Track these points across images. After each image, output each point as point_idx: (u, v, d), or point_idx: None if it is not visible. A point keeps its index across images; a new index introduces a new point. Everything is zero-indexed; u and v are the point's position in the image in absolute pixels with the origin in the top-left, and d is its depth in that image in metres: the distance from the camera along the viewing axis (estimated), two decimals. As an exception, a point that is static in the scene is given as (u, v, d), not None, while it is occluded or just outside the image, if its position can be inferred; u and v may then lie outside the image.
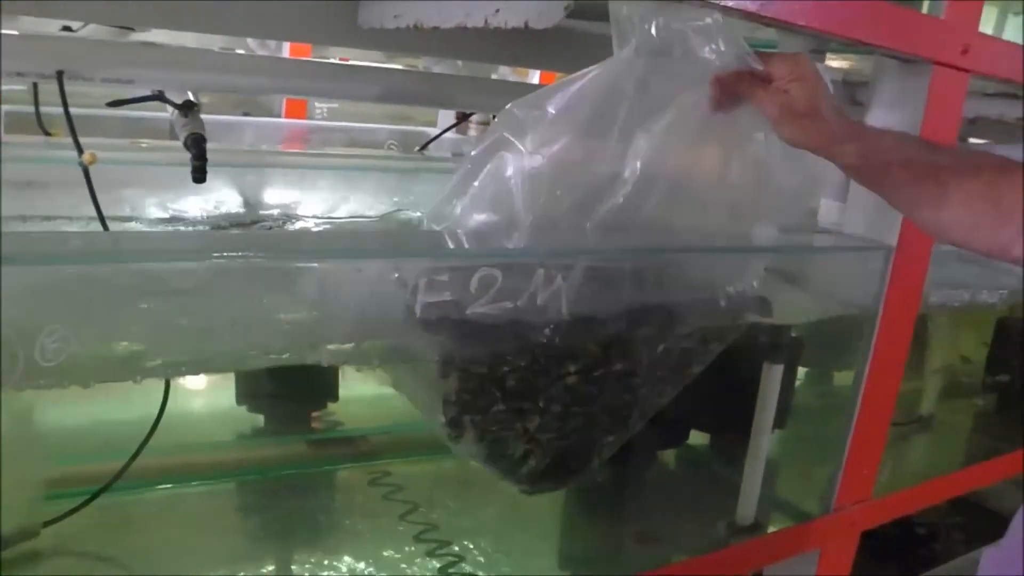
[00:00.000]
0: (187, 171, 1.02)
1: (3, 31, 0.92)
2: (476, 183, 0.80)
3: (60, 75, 0.91)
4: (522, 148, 0.79)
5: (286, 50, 1.70)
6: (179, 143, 1.03)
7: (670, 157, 0.84)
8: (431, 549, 1.10)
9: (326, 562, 1.07)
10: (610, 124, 0.82)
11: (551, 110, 0.79)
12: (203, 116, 1.07)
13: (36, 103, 1.09)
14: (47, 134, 1.15)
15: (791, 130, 0.82)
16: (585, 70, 0.83)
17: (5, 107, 1.40)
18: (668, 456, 1.44)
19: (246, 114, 1.96)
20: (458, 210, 0.81)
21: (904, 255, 1.20)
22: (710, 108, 0.85)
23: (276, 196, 1.29)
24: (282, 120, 2.07)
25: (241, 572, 1.03)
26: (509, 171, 0.79)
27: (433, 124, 1.95)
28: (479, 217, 0.80)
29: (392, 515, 1.16)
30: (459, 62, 1.59)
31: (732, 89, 0.84)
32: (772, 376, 1.18)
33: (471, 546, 1.12)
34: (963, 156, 0.82)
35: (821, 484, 1.31)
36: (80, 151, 0.91)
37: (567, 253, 0.82)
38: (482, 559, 1.11)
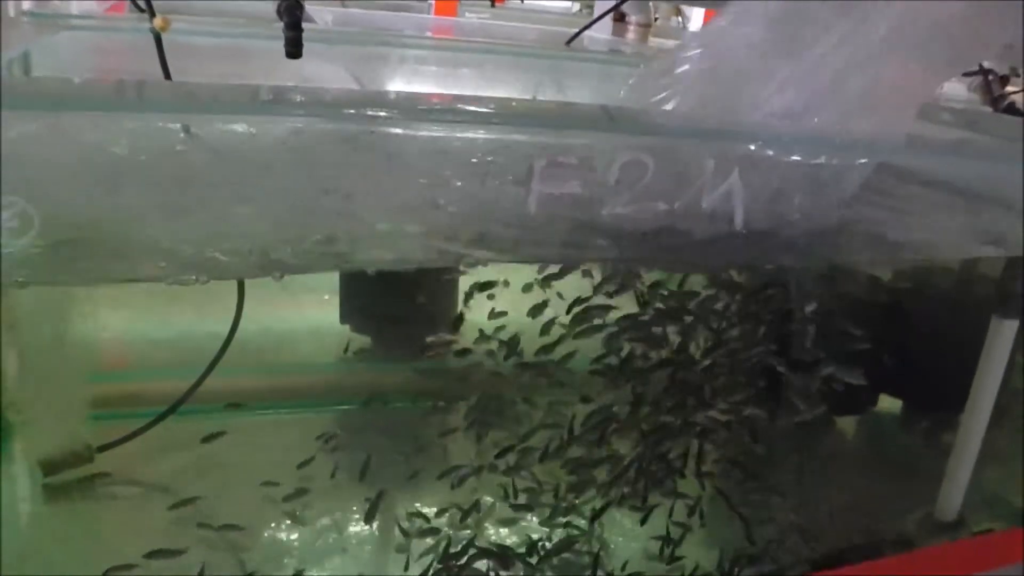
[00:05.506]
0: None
1: None
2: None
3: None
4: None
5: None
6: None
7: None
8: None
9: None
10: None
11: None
12: (354, 9, 0.91)
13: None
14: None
15: None
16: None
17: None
18: (847, 424, 1.20)
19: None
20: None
21: None
22: None
23: (416, 85, 1.12)
24: (429, 17, 1.92)
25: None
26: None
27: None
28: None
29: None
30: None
31: None
32: (1002, 334, 0.91)
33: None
34: None
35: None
36: (152, 14, 0.77)
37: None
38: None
